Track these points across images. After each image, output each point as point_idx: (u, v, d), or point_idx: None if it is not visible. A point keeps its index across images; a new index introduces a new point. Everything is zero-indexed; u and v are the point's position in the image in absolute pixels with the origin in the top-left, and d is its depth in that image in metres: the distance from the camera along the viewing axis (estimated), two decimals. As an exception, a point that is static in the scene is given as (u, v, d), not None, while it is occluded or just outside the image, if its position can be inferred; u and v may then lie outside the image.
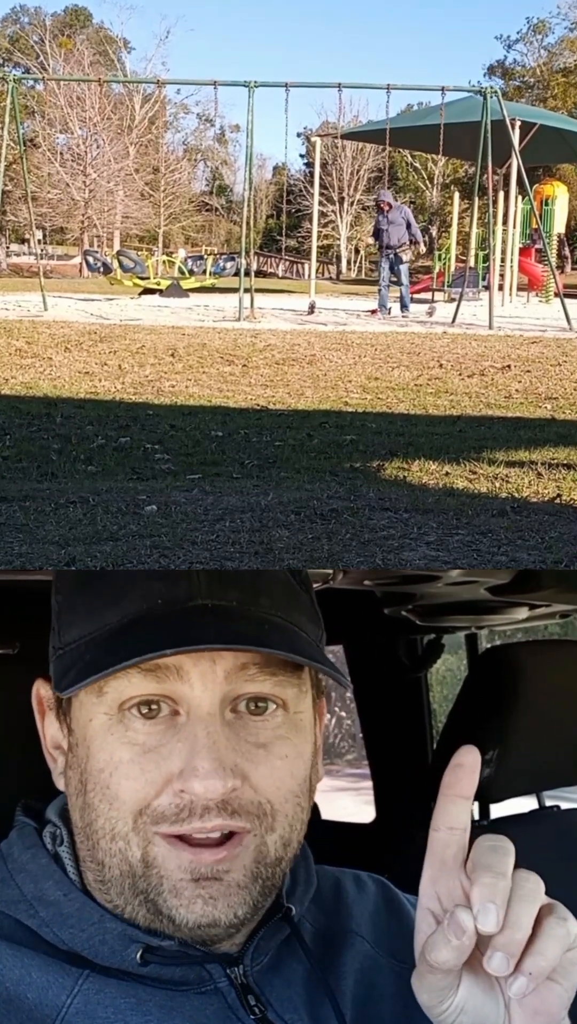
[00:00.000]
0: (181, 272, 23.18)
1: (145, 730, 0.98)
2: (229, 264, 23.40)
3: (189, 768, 0.96)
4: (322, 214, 40.70)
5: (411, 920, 1.20)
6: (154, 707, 0.99)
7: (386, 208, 15.43)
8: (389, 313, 15.21)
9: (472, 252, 19.50)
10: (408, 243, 15.42)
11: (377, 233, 15.72)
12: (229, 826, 0.97)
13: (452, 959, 0.87)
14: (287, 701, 1.02)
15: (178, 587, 1.01)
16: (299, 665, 1.03)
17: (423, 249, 15.85)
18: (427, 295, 18.33)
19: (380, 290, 15.70)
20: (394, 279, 15.48)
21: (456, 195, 27.52)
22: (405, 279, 15.49)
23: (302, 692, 1.04)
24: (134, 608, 1.00)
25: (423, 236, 16.35)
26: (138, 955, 1.00)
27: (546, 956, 0.88)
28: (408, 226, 15.26)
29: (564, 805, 1.94)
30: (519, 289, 20.15)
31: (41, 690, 1.10)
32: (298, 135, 50.95)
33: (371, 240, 17.45)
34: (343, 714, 6.57)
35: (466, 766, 0.91)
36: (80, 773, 1.02)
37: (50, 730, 1.09)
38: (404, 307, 15.29)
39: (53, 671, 1.05)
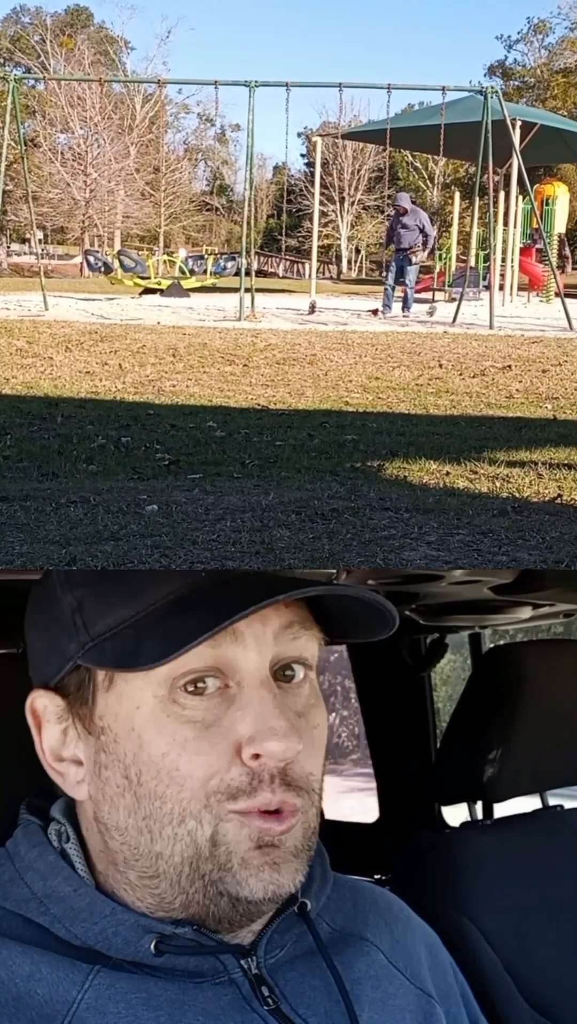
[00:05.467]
0: (182, 272, 23.17)
1: (201, 706, 0.99)
2: (230, 264, 23.34)
3: (263, 730, 0.97)
4: (323, 214, 40.71)
5: (425, 943, 1.21)
6: (200, 684, 0.99)
7: (402, 211, 15.43)
8: (391, 311, 15.21)
9: (473, 252, 19.50)
10: (420, 246, 15.39)
11: (390, 235, 15.72)
12: (289, 803, 0.99)
13: None
14: (310, 662, 1.04)
15: (216, 568, 1.04)
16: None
17: (423, 256, 15.78)
18: (428, 295, 18.33)
19: (385, 290, 15.72)
20: (401, 280, 15.49)
21: (457, 195, 27.52)
22: (411, 280, 15.48)
23: (320, 651, 1.07)
24: (179, 585, 1.01)
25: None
26: (152, 945, 0.99)
27: None
28: (422, 231, 15.22)
29: (568, 804, 1.93)
30: (520, 289, 20.15)
31: (38, 701, 1.08)
32: (299, 135, 51.01)
33: (383, 242, 17.46)
34: (347, 713, 6.56)
35: None
36: (125, 768, 1.00)
37: (51, 741, 1.07)
38: (406, 307, 15.29)
39: (97, 660, 1.02)
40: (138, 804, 1.00)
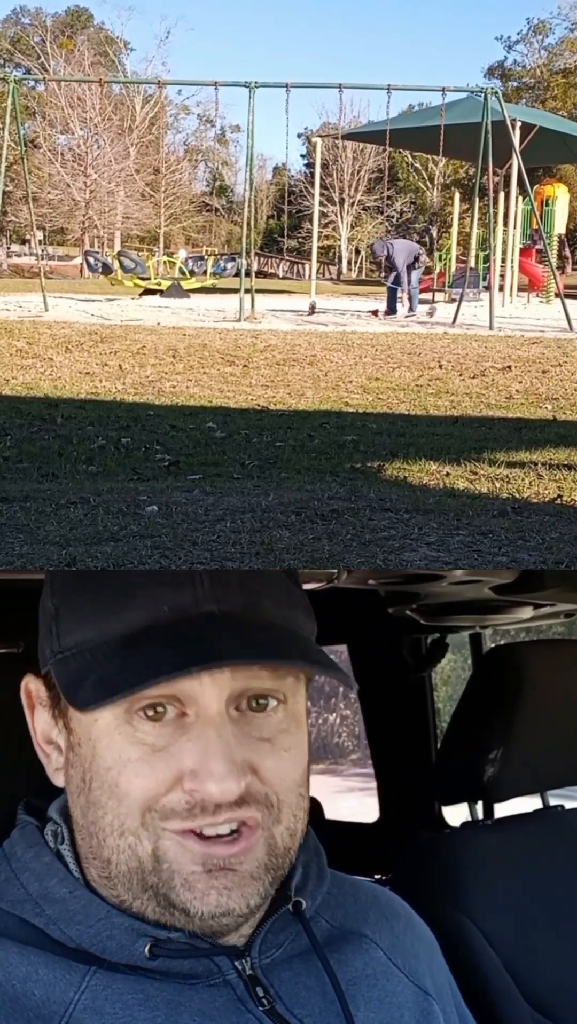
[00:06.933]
0: (182, 273, 23.17)
1: (154, 731, 0.99)
2: (230, 265, 23.33)
3: (204, 770, 0.97)
4: (323, 214, 40.69)
5: (425, 942, 1.21)
6: (160, 709, 0.99)
7: (383, 258, 15.83)
8: (396, 313, 15.25)
9: (473, 253, 19.50)
10: (419, 259, 15.62)
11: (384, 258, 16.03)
12: (239, 816, 0.98)
13: None
14: (287, 695, 1.04)
15: (182, 594, 1.01)
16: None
17: (428, 260, 16.00)
18: (428, 295, 18.33)
19: (388, 291, 15.79)
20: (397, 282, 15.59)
21: (457, 196, 27.52)
22: (414, 283, 15.55)
23: (298, 683, 1.06)
24: (139, 616, 1.01)
25: (423, 236, 16.38)
26: (146, 949, 1.00)
27: None
28: (415, 251, 15.49)
29: (568, 804, 1.93)
30: (520, 290, 20.15)
31: (31, 684, 1.10)
32: (299, 135, 50.97)
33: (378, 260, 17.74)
34: (347, 713, 6.56)
35: None
36: (83, 771, 1.02)
37: (41, 724, 1.09)
38: (411, 308, 15.35)
39: (56, 675, 1.04)
40: (88, 808, 1.02)
